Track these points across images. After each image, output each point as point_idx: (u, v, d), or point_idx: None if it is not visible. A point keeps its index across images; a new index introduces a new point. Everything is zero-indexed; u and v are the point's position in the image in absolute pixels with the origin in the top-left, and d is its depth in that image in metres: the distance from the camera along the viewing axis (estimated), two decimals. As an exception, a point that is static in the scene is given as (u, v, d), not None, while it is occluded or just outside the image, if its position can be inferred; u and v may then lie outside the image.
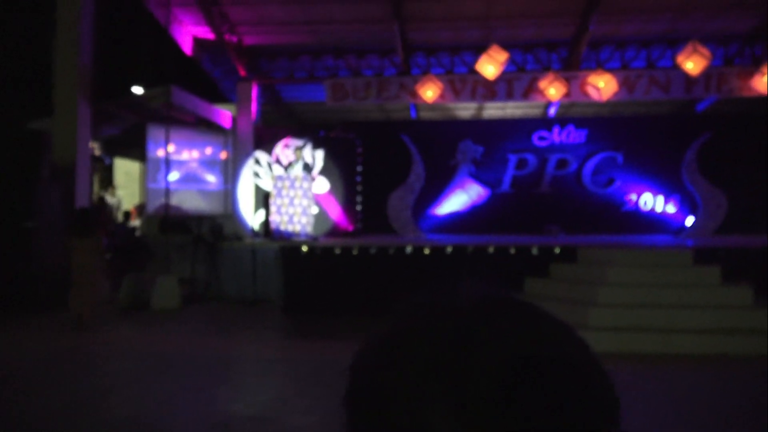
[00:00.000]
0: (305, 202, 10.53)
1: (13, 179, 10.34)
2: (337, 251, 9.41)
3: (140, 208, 13.59)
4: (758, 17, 10.85)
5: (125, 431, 4.45)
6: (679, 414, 4.88)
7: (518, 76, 11.29)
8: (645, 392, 5.29)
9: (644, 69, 11.45)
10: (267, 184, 11.12)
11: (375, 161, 12.46)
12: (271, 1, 10.73)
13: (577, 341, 0.48)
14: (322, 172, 11.59)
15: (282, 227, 10.44)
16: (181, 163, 11.83)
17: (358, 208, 12.39)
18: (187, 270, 10.39)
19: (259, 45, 12.25)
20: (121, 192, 14.56)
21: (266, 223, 10.94)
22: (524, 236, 10.99)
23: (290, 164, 11.20)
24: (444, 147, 12.60)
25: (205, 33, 11.79)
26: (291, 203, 10.47)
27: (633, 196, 12.35)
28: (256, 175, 11.75)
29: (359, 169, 12.38)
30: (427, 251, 9.33)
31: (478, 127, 13.25)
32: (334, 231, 11.73)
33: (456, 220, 12.60)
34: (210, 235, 10.73)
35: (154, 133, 11.28)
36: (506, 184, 12.62)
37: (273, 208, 10.54)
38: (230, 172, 12.40)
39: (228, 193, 12.43)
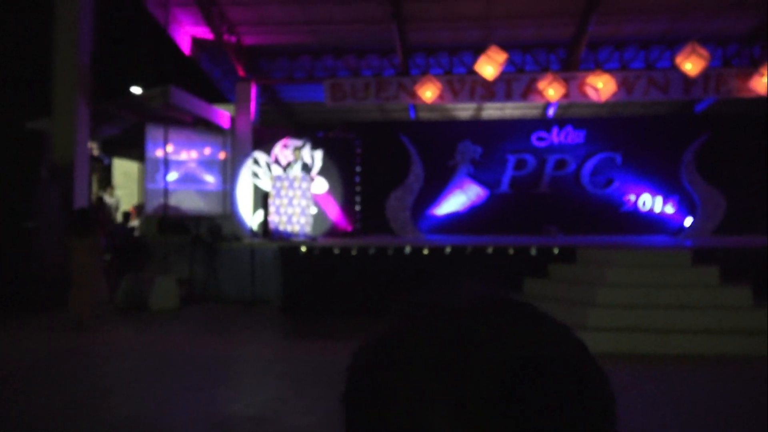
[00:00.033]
0: (304, 202, 10.52)
1: (13, 179, 10.35)
2: (336, 251, 9.41)
3: (139, 209, 13.58)
4: (757, 18, 10.86)
5: (125, 431, 4.45)
6: (678, 414, 4.89)
7: (517, 77, 11.29)
8: (644, 393, 5.30)
9: (643, 70, 11.46)
10: (266, 185, 11.11)
11: (374, 161, 12.45)
12: (270, 1, 10.73)
13: (574, 342, 0.48)
14: (321, 172, 11.57)
15: (281, 227, 10.43)
16: (179, 164, 11.82)
17: (357, 208, 12.36)
18: (186, 270, 10.38)
19: (259, 45, 12.24)
20: (119, 192, 14.53)
21: (265, 224, 10.94)
22: (523, 237, 11.00)
23: (289, 164, 11.19)
24: (443, 147, 12.59)
25: (204, 33, 11.78)
26: (290, 203, 10.47)
27: (632, 197, 12.35)
28: (255, 175, 11.74)
29: (358, 169, 12.35)
30: (425, 252, 9.34)
31: (477, 128, 13.24)
32: (333, 231, 11.71)
33: (455, 220, 12.59)
34: (209, 235, 10.72)
35: (153, 133, 11.27)
36: (505, 184, 12.62)
37: (272, 209, 10.54)
38: (229, 173, 12.40)
39: (227, 194, 12.42)
